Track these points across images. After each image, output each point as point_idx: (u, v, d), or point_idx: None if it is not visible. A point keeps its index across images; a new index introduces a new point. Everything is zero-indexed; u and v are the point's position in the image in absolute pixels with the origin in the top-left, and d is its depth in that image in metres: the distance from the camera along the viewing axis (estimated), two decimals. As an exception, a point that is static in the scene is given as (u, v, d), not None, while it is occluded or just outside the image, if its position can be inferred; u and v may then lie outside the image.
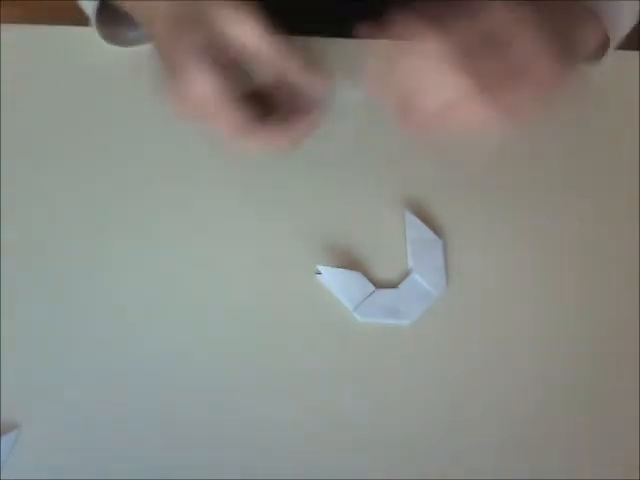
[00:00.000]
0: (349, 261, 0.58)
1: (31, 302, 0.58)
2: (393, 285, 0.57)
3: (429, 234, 0.58)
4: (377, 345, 0.56)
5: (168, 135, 0.63)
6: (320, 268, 0.57)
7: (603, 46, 0.58)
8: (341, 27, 0.67)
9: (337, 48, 0.67)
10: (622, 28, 0.57)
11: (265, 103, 0.54)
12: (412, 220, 0.59)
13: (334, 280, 0.57)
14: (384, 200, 0.61)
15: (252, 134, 0.51)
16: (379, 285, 0.57)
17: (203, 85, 0.50)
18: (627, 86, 0.65)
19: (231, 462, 0.53)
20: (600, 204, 0.61)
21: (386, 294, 0.56)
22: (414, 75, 0.50)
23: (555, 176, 0.62)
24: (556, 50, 0.49)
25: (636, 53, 0.65)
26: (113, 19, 0.62)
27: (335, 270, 0.57)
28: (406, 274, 0.57)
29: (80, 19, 0.64)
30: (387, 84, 0.52)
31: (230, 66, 0.51)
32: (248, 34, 0.52)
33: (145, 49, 0.64)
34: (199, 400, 0.54)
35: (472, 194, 0.61)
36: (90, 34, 0.68)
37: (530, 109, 0.50)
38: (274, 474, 0.52)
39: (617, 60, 0.61)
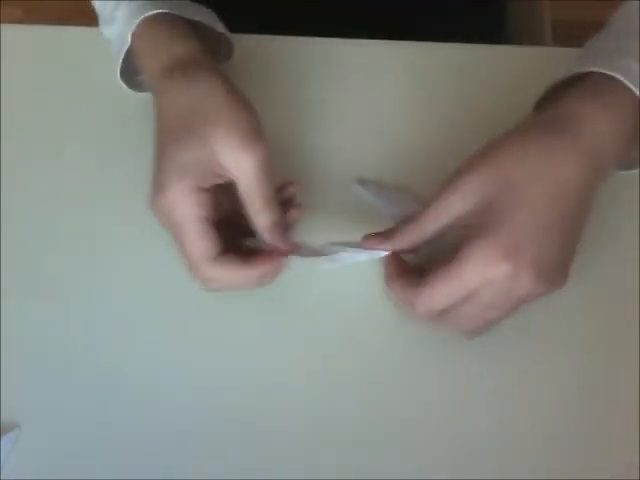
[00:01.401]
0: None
1: (31, 302, 0.58)
2: None
3: None
4: (377, 345, 0.56)
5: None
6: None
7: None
8: (341, 27, 0.67)
9: (337, 48, 0.67)
10: None
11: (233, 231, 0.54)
12: None
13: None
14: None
15: (215, 265, 0.51)
16: None
17: (178, 207, 0.50)
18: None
19: (229, 462, 0.53)
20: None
21: None
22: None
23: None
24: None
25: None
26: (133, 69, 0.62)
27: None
28: None
29: (80, 19, 0.64)
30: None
31: (209, 190, 0.51)
32: (243, 173, 0.51)
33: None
34: (199, 399, 0.54)
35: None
36: (90, 34, 0.68)
37: None
38: (274, 475, 0.52)
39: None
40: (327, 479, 0.52)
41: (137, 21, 0.56)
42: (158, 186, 0.51)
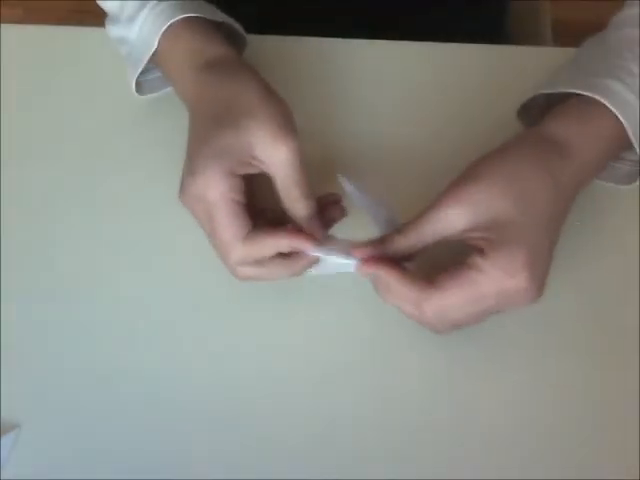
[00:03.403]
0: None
1: (31, 302, 0.58)
2: None
3: None
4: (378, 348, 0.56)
5: (170, 135, 0.63)
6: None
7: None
8: (341, 27, 0.67)
9: (337, 48, 0.67)
10: None
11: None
12: None
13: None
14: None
15: (245, 243, 0.51)
16: None
17: (211, 189, 0.50)
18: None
19: (229, 462, 0.53)
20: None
21: None
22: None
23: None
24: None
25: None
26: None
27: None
28: None
29: (80, 19, 0.64)
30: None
31: (243, 177, 0.52)
32: (279, 164, 0.51)
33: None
34: (199, 399, 0.54)
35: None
36: (90, 34, 0.68)
37: None
38: (274, 475, 0.52)
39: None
40: (327, 479, 0.52)
41: (168, 23, 0.57)
42: (191, 170, 0.52)
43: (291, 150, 0.51)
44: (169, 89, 0.63)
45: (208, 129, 0.52)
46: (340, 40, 0.67)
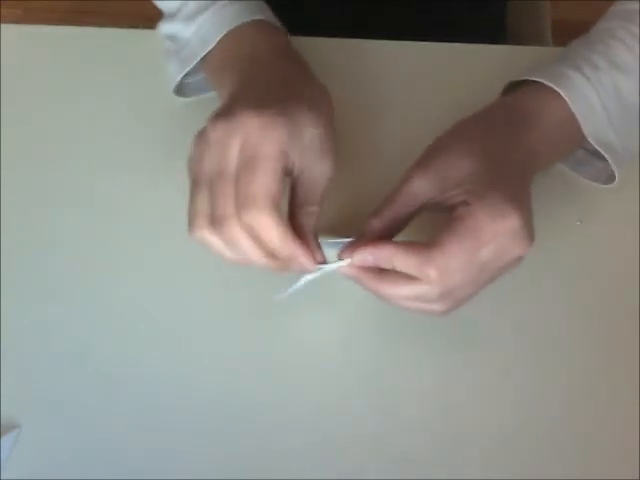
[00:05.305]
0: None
1: (31, 302, 0.58)
2: None
3: None
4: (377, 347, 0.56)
5: (170, 136, 0.63)
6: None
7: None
8: (341, 27, 0.67)
9: (336, 48, 0.67)
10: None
11: None
12: None
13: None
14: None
15: (275, 210, 0.48)
16: None
17: (269, 133, 0.48)
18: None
19: (229, 461, 0.53)
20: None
21: None
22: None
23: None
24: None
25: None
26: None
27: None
28: None
29: (80, 19, 0.64)
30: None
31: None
32: (325, 171, 0.52)
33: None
34: (200, 398, 0.54)
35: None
36: (89, 34, 0.68)
37: None
38: (274, 475, 0.52)
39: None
40: (327, 479, 0.52)
41: (232, 26, 0.58)
42: (259, 105, 0.49)
43: (334, 165, 0.52)
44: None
45: (273, 96, 0.51)
46: (339, 40, 0.68)
